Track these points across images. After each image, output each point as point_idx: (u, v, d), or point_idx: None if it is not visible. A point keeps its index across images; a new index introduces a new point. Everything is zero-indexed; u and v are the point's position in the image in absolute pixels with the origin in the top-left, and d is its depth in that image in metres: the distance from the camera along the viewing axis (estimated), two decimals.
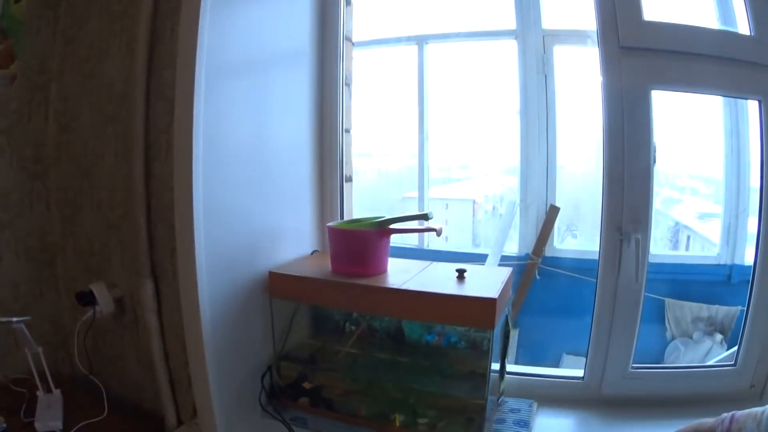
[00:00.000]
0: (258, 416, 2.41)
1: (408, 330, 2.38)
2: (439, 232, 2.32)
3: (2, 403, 2.68)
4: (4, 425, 2.45)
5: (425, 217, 2.26)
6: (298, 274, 2.34)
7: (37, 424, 2.47)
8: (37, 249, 3.09)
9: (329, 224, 2.38)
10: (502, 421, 2.26)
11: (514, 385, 2.46)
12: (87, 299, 2.63)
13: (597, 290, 2.33)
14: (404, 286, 2.13)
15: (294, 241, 2.58)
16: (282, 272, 2.35)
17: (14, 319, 2.44)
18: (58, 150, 3.02)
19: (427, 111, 4.48)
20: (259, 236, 2.38)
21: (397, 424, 2.23)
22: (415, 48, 4.27)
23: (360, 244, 2.28)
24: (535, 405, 2.38)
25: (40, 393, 2.58)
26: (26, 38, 2.94)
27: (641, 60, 2.17)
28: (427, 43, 3.53)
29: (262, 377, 2.44)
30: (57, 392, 2.59)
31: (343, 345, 2.45)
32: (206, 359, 2.18)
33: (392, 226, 2.30)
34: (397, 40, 4.16)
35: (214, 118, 2.10)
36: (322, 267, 2.40)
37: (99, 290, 2.64)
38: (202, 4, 2.02)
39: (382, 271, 2.32)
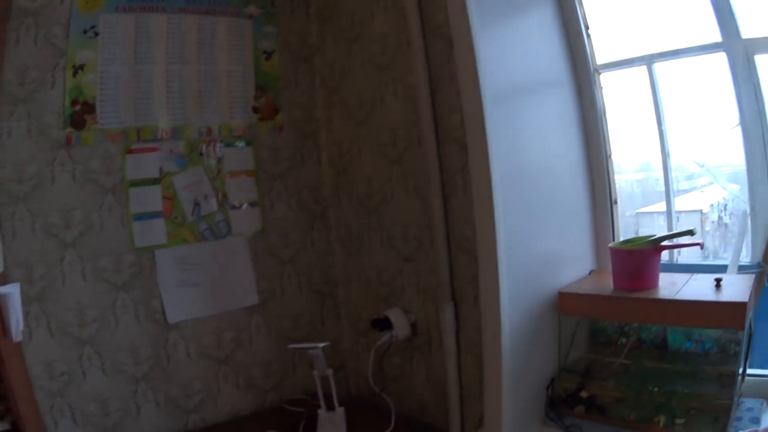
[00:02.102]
0: (538, 424, 2.75)
1: (671, 339, 2.73)
2: (701, 246, 2.68)
3: (278, 423, 3.14)
4: None
5: (690, 233, 2.57)
6: (587, 293, 2.70)
7: None
8: (320, 282, 3.58)
9: (611, 245, 2.72)
10: (738, 419, 2.48)
11: (747, 386, 2.68)
12: (383, 325, 3.02)
13: None
14: (677, 297, 2.48)
15: (574, 262, 2.89)
16: (571, 291, 2.71)
17: (321, 345, 2.86)
18: (337, 191, 3.48)
19: (666, 128, 4.66)
20: (546, 259, 2.72)
21: (661, 425, 2.51)
22: (644, 68, 4.51)
23: (639, 261, 2.61)
24: (765, 403, 2.60)
25: (321, 411, 2.94)
26: (284, 91, 3.45)
27: None
28: (654, 63, 3.77)
29: (547, 388, 2.78)
30: (340, 410, 2.93)
31: (616, 356, 2.77)
32: (502, 374, 2.55)
33: (663, 243, 2.62)
34: (629, 62, 4.39)
35: (503, 153, 2.47)
36: (603, 285, 2.73)
37: (395, 316, 3.01)
38: (475, 51, 2.45)
39: (655, 284, 2.63)
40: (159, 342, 3.23)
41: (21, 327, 2.64)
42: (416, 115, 2.81)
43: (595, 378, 2.76)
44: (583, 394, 2.73)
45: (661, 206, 3.03)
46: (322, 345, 2.89)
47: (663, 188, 2.96)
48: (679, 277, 2.74)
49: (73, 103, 2.99)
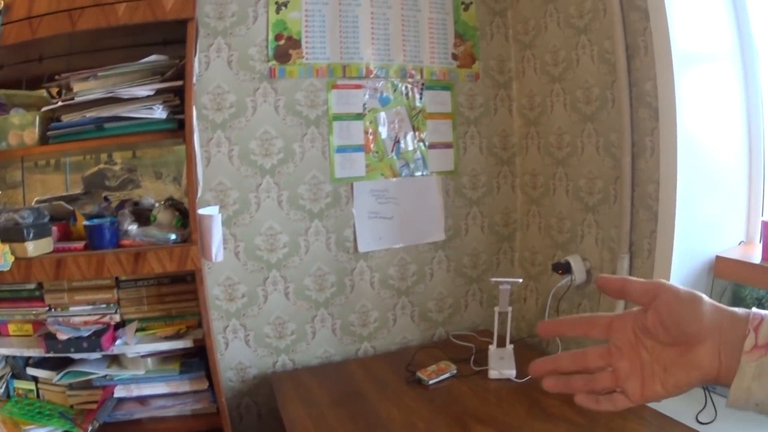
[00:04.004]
0: None
1: None
2: None
3: (448, 355, 3.37)
4: (455, 371, 3.14)
5: None
6: (746, 260, 2.80)
7: (491, 372, 3.11)
8: (500, 225, 3.86)
9: (763, 218, 2.85)
10: None
11: None
12: (563, 268, 3.25)
13: None
14: None
15: (726, 232, 2.95)
16: (729, 257, 2.81)
17: (519, 280, 3.21)
18: (526, 140, 3.72)
19: None
20: (706, 224, 2.85)
21: None
22: None
23: None
24: None
25: (492, 347, 3.21)
26: (481, 41, 3.71)
27: None
28: None
29: None
30: (510, 347, 3.19)
31: None
32: None
33: None
34: None
35: (686, 121, 2.66)
36: (753, 255, 2.82)
37: (575, 262, 3.23)
38: (668, 25, 2.62)
39: None
40: (345, 270, 3.54)
41: (222, 248, 2.88)
42: (611, 78, 3.00)
43: None
44: None
45: None
46: (520, 281, 3.23)
47: None
48: None
49: (277, 37, 3.29)
